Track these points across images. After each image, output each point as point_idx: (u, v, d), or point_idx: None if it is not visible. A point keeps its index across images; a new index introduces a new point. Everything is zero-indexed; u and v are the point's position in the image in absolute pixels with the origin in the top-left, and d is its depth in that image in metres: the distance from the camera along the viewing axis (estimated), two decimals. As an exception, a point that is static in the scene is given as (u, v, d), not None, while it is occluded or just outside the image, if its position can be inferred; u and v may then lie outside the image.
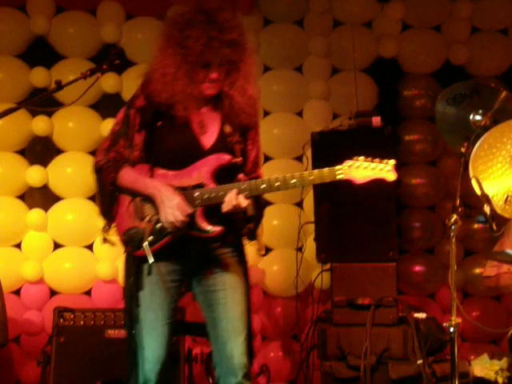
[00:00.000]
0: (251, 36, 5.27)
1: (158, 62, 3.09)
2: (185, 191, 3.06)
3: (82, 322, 4.61)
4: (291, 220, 5.21)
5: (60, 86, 2.98)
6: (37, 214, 5.13)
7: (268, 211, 5.25)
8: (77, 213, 5.15)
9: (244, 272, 3.23)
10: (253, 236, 3.25)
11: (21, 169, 5.16)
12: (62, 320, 4.60)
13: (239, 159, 3.14)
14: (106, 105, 5.28)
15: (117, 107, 5.17)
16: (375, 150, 4.46)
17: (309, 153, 4.89)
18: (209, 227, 3.07)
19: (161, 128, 3.12)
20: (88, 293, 5.20)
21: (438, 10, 5.61)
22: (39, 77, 5.16)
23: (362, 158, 3.00)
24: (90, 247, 5.18)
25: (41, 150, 5.22)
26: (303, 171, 4.87)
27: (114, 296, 5.11)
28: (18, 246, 5.18)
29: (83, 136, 5.21)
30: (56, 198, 5.21)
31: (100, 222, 3.24)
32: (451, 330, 3.15)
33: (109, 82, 5.09)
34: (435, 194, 5.52)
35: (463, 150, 3.34)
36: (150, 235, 3.06)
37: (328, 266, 4.75)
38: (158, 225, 3.08)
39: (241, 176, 3.10)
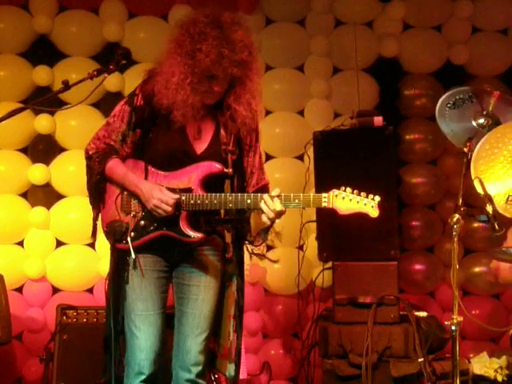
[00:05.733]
0: (255, 38, 5.34)
1: (164, 67, 3.12)
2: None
3: (84, 320, 4.65)
4: (293, 219, 5.22)
5: (67, 86, 3.00)
6: (39, 211, 5.15)
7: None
8: (79, 211, 5.15)
9: (220, 275, 3.26)
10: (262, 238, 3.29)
11: (23, 167, 5.18)
12: (65, 317, 4.63)
13: (230, 170, 3.17)
14: (108, 103, 5.28)
15: (119, 106, 5.28)
16: (377, 150, 4.57)
17: (310, 152, 4.91)
18: (191, 232, 3.11)
19: (156, 129, 3.16)
20: (90, 290, 5.22)
21: (439, 10, 5.63)
22: (42, 75, 5.18)
23: (349, 189, 3.04)
24: (92, 245, 5.19)
25: (43, 149, 5.23)
26: (304, 171, 5.01)
27: (117, 294, 5.13)
28: (21, 243, 5.20)
29: (85, 134, 5.11)
30: (58, 196, 5.24)
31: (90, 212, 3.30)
32: (453, 328, 3.18)
33: (111, 81, 5.08)
34: (436, 193, 5.55)
35: (466, 149, 3.38)
36: (132, 231, 3.11)
37: (329, 264, 4.78)
38: (142, 222, 3.13)
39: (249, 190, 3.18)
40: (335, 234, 4.62)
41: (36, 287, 5.15)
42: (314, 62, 5.52)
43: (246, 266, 4.91)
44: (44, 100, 3.09)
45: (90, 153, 3.24)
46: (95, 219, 3.30)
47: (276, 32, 5.51)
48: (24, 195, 5.23)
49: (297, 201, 3.06)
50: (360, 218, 4.39)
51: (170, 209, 3.06)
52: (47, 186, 5.20)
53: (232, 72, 3.04)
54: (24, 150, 5.25)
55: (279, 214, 3.08)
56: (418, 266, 5.52)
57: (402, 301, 4.50)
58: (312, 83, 5.48)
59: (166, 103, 3.09)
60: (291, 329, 5.39)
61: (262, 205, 3.04)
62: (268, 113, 5.45)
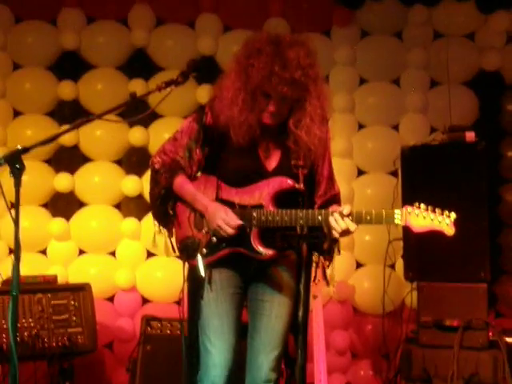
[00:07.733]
0: (348, 50, 5.25)
1: (222, 83, 3.08)
2: (244, 209, 3.05)
3: (168, 331, 4.65)
4: (384, 236, 5.08)
5: (134, 97, 3.01)
6: (131, 222, 5.24)
7: (360, 226, 5.20)
8: (170, 223, 5.21)
9: (293, 293, 3.19)
10: (328, 253, 3.19)
11: (117, 178, 5.28)
12: (149, 328, 4.65)
13: (301, 185, 3.08)
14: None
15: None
16: (467, 167, 4.38)
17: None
18: (261, 249, 3.04)
19: (227, 148, 3.10)
20: (179, 302, 5.23)
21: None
22: (137, 88, 5.20)
23: (423, 206, 2.90)
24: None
25: (136, 161, 5.31)
26: (395, 186, 4.85)
27: (204, 306, 5.14)
28: (113, 253, 5.29)
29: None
30: (150, 208, 5.29)
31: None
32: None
33: (204, 94, 5.12)
34: (538, 213, 5.27)
35: None
36: (204, 247, 3.07)
37: (420, 283, 4.61)
38: (214, 238, 3.08)
39: (335, 207, 3.03)
40: (422, 253, 4.45)
41: (126, 297, 5.23)
42: (411, 75, 5.38)
43: (333, 283, 4.82)
44: (111, 111, 3.09)
45: (157, 166, 3.21)
46: (169, 236, 3.27)
47: (371, 45, 5.41)
48: (117, 206, 5.32)
49: (368, 218, 2.94)
50: (447, 236, 4.28)
51: (231, 231, 3.01)
52: (139, 197, 5.26)
53: (282, 91, 2.93)
54: (118, 162, 5.35)
55: (349, 232, 2.97)
56: (517, 289, 5.25)
57: (492, 326, 4.28)
58: (408, 97, 5.34)
59: (223, 120, 3.04)
60: (380, 349, 5.22)
61: (332, 222, 2.95)
62: (361, 127, 5.35)
